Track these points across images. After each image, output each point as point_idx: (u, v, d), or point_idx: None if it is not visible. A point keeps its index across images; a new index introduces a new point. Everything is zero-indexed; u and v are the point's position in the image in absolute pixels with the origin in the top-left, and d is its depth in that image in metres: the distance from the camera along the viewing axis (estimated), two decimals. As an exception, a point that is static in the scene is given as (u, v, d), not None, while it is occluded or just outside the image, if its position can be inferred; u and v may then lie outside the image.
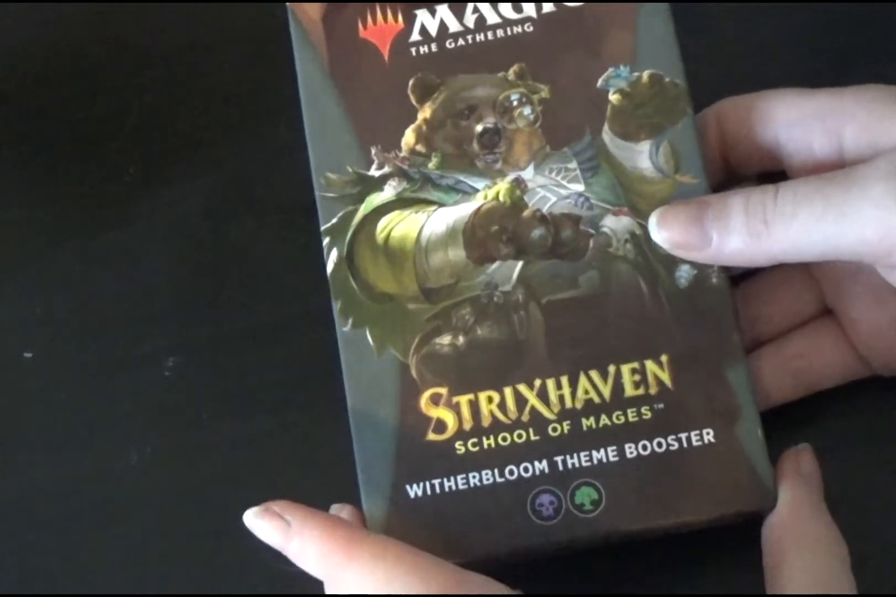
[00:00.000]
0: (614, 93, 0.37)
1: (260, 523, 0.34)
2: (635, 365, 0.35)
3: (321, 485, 0.38)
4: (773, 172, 0.38)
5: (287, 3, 0.39)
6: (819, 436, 0.37)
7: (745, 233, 0.34)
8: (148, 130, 0.46)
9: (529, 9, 0.38)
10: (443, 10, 0.38)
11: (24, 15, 0.49)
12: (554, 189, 0.36)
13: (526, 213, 0.36)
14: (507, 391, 0.35)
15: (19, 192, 0.47)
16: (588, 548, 0.35)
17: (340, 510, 0.36)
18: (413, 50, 0.38)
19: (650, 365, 0.35)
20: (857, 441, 0.39)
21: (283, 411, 0.42)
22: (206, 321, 0.43)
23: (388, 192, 0.37)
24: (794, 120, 0.36)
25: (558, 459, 0.34)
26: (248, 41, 0.47)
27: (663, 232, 0.35)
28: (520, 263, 0.36)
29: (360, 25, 0.38)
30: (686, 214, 0.35)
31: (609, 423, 0.35)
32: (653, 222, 0.35)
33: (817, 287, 0.38)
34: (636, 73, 0.37)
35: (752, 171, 0.38)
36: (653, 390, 0.35)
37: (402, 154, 0.37)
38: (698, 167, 0.36)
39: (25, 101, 0.48)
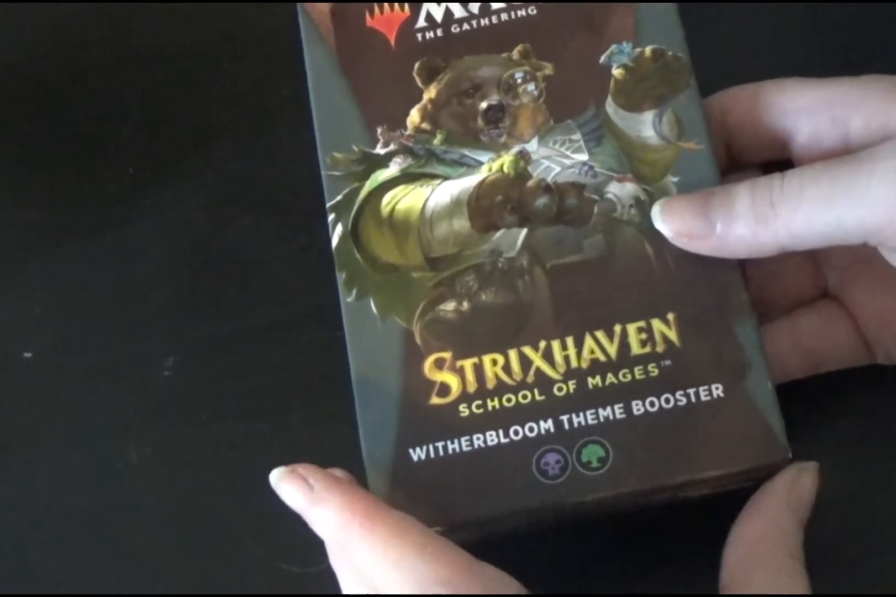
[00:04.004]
0: (617, 68, 0.37)
1: (285, 485, 0.34)
2: (641, 324, 0.35)
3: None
4: (777, 161, 0.37)
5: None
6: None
7: (750, 218, 0.33)
8: (148, 130, 0.46)
9: None
10: None
11: (24, 15, 0.49)
12: (558, 159, 0.37)
13: (530, 182, 0.36)
14: (512, 354, 0.35)
15: (19, 192, 0.47)
16: (594, 516, 0.35)
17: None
18: (419, 36, 0.38)
19: (657, 324, 0.35)
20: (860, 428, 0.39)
21: (283, 411, 0.42)
22: (206, 321, 0.43)
23: (393, 168, 0.37)
24: (801, 108, 0.36)
25: (564, 417, 0.34)
26: (249, 41, 0.47)
27: (666, 221, 0.35)
28: (524, 230, 0.36)
29: (368, 16, 0.39)
30: (689, 203, 0.35)
31: (615, 381, 0.34)
32: (656, 212, 0.35)
33: (820, 274, 0.38)
34: (638, 49, 0.37)
35: (756, 160, 0.38)
36: (660, 348, 0.34)
37: (408, 132, 0.37)
38: (702, 134, 0.36)
39: (25, 101, 0.48)
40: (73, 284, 0.44)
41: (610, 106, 0.37)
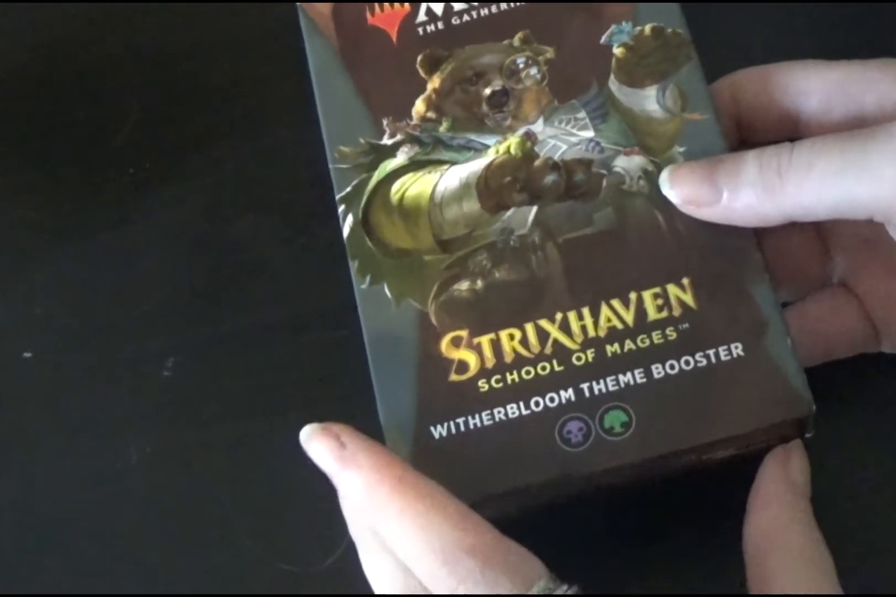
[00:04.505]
0: (618, 47, 0.38)
1: (316, 442, 0.33)
2: (657, 290, 0.35)
3: (321, 485, 0.38)
4: (789, 140, 0.37)
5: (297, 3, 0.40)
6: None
7: (758, 186, 0.33)
8: (148, 130, 0.46)
9: None
10: None
11: (24, 15, 0.49)
12: (564, 138, 0.37)
13: (538, 161, 0.37)
14: (529, 327, 0.35)
15: (19, 192, 0.47)
16: (619, 487, 0.34)
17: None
18: (420, 30, 0.39)
19: (672, 289, 0.35)
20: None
21: (283, 411, 0.42)
22: (206, 321, 0.43)
23: (401, 157, 0.38)
24: (814, 88, 0.36)
25: (584, 385, 0.34)
26: (249, 41, 0.47)
27: (674, 187, 0.35)
28: (534, 208, 0.36)
29: (368, 14, 0.40)
30: (698, 169, 0.35)
31: (634, 347, 0.34)
32: (664, 178, 0.35)
33: (828, 257, 0.38)
34: (638, 28, 0.38)
35: (767, 139, 0.37)
36: (676, 312, 0.34)
37: (414, 122, 0.38)
38: (706, 105, 0.36)
39: (26, 102, 0.48)
40: (73, 284, 0.44)
41: (613, 84, 0.37)
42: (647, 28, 0.37)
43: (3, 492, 0.42)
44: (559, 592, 0.31)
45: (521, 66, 0.38)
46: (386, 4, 0.40)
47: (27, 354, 0.44)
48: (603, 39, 0.38)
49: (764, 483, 0.34)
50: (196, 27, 0.48)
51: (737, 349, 0.34)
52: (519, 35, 0.38)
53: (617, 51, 0.37)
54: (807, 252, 0.38)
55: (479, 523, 0.31)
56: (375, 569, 0.33)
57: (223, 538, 0.40)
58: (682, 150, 0.36)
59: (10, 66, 0.48)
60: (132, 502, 0.41)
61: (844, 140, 0.32)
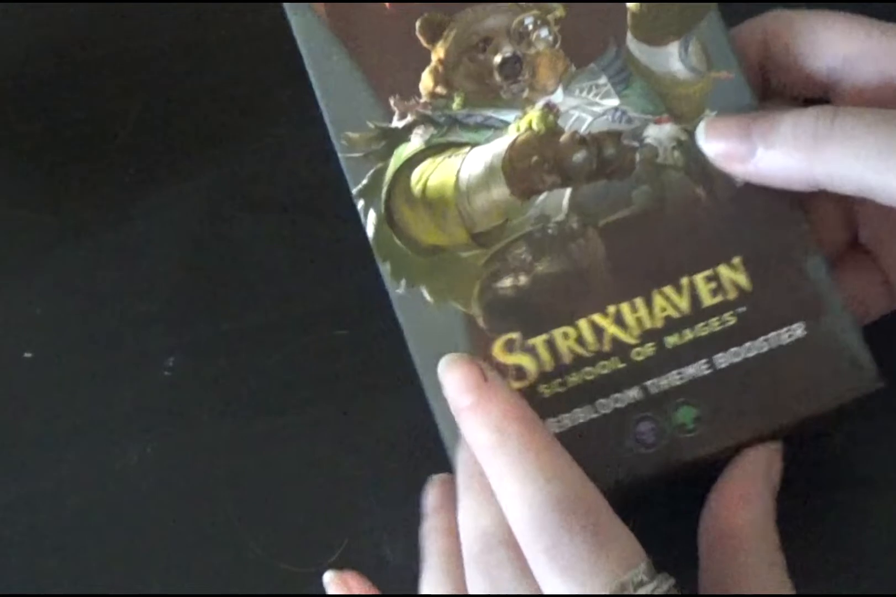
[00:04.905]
0: (633, 1, 0.35)
1: (459, 368, 0.32)
2: (709, 273, 0.33)
3: (321, 485, 0.38)
4: (813, 98, 0.36)
5: None
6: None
7: (791, 147, 0.32)
8: (148, 130, 0.46)
9: None
10: None
11: (23, 15, 0.49)
12: (588, 108, 0.35)
13: (564, 137, 0.34)
14: (582, 324, 0.34)
15: (19, 192, 0.47)
16: (692, 472, 0.34)
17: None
18: None
19: (724, 270, 0.33)
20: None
21: (283, 411, 0.42)
22: (206, 321, 0.43)
23: (416, 141, 0.35)
24: (851, 55, 0.35)
25: (649, 383, 0.33)
26: (249, 41, 0.47)
27: (710, 141, 0.34)
28: (568, 190, 0.34)
29: None
30: (735, 124, 0.33)
31: (693, 336, 0.33)
32: (700, 130, 0.34)
33: (853, 225, 0.37)
34: None
35: (791, 94, 0.37)
36: (731, 295, 0.33)
37: (423, 99, 0.35)
38: (732, 62, 0.34)
39: (25, 101, 0.47)
40: (73, 284, 0.44)
41: (631, 42, 0.34)
42: None
43: (3, 492, 0.42)
44: (656, 583, 0.30)
45: (531, 27, 0.35)
46: None
47: (27, 354, 0.44)
48: None
49: (744, 480, 0.33)
50: (196, 27, 0.48)
51: (798, 329, 0.33)
52: None
53: (632, 5, 0.34)
54: (833, 219, 0.37)
55: (598, 492, 0.31)
56: (471, 519, 0.32)
57: (223, 538, 0.40)
58: (713, 114, 0.34)
59: (10, 66, 0.48)
60: (132, 502, 0.41)
61: (892, 121, 0.31)
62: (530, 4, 0.35)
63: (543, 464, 0.30)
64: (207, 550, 0.41)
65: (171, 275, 0.44)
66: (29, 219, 0.46)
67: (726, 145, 0.33)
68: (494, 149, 0.35)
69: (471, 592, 0.31)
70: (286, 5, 0.36)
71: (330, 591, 0.35)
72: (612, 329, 0.34)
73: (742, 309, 0.33)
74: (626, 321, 0.34)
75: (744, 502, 0.33)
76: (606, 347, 0.34)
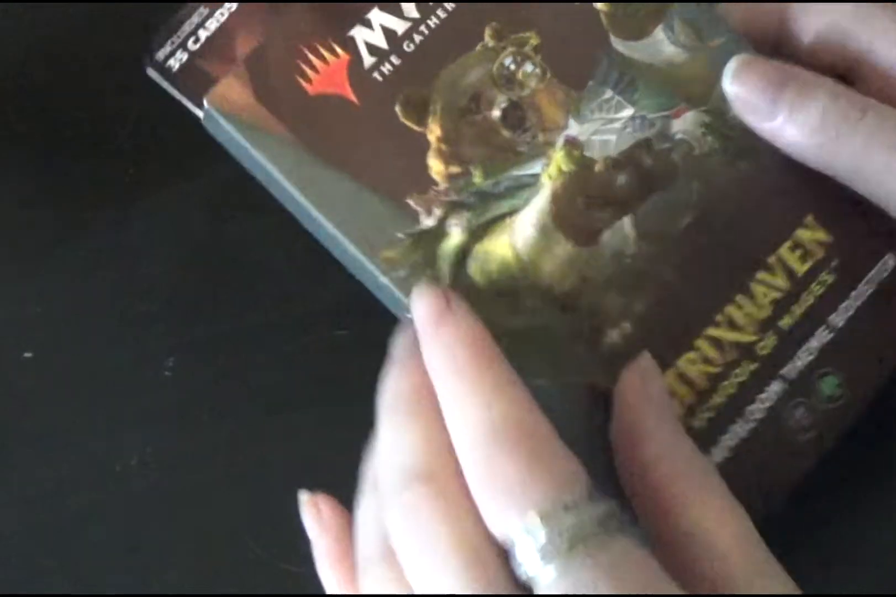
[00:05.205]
0: (599, 2, 0.33)
1: (426, 297, 0.31)
2: (790, 242, 0.33)
3: (321, 485, 0.38)
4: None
5: (204, 100, 0.33)
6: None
7: (813, 130, 0.31)
8: (148, 130, 0.46)
9: None
10: (377, 17, 0.32)
11: (24, 15, 0.49)
12: (607, 128, 0.33)
13: (598, 167, 0.32)
14: (700, 343, 0.32)
15: (19, 192, 0.47)
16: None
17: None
18: (376, 75, 0.32)
19: (802, 233, 0.33)
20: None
21: (283, 411, 0.42)
22: (206, 321, 0.43)
23: (456, 233, 0.32)
24: (878, 45, 0.33)
25: (784, 370, 0.33)
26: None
27: (736, 85, 0.32)
28: (626, 219, 0.32)
29: (304, 82, 0.32)
30: (767, 75, 0.32)
31: (803, 309, 0.33)
32: (731, 69, 0.33)
33: None
34: None
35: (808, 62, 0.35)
36: (819, 254, 0.33)
37: (441, 186, 0.32)
38: (722, 27, 0.33)
39: (25, 101, 0.47)
40: (73, 284, 0.44)
41: (617, 43, 0.33)
42: None
43: (3, 492, 0.42)
44: (594, 505, 0.28)
45: (513, 67, 0.32)
46: (317, 62, 0.31)
47: (27, 354, 0.44)
48: (579, 1, 0.33)
49: (641, 407, 0.31)
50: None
51: (891, 260, 0.33)
52: (488, 32, 0.32)
53: (600, 6, 0.33)
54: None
55: (545, 419, 0.30)
56: (387, 452, 0.31)
57: (223, 538, 0.40)
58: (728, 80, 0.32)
59: (10, 66, 0.48)
60: (132, 502, 0.41)
61: None
62: (501, 43, 0.32)
63: (490, 388, 0.29)
64: (207, 550, 0.41)
65: (171, 275, 0.44)
66: (29, 219, 0.46)
67: (750, 95, 0.32)
68: (536, 207, 0.32)
69: (392, 534, 0.29)
70: (238, 136, 0.32)
71: (303, 513, 0.34)
72: (729, 336, 0.33)
73: (834, 262, 0.33)
74: (738, 322, 0.33)
75: (656, 428, 0.31)
76: (732, 355, 0.33)
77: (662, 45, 0.33)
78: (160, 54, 0.33)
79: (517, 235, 0.32)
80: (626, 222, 0.32)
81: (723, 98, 0.33)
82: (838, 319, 0.33)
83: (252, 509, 0.40)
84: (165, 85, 0.34)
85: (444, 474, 0.29)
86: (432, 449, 0.30)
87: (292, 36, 0.32)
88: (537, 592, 0.28)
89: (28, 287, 0.45)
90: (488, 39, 0.33)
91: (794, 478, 0.33)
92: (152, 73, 0.34)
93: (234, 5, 0.33)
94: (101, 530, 0.41)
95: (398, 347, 0.33)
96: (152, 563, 0.41)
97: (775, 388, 0.33)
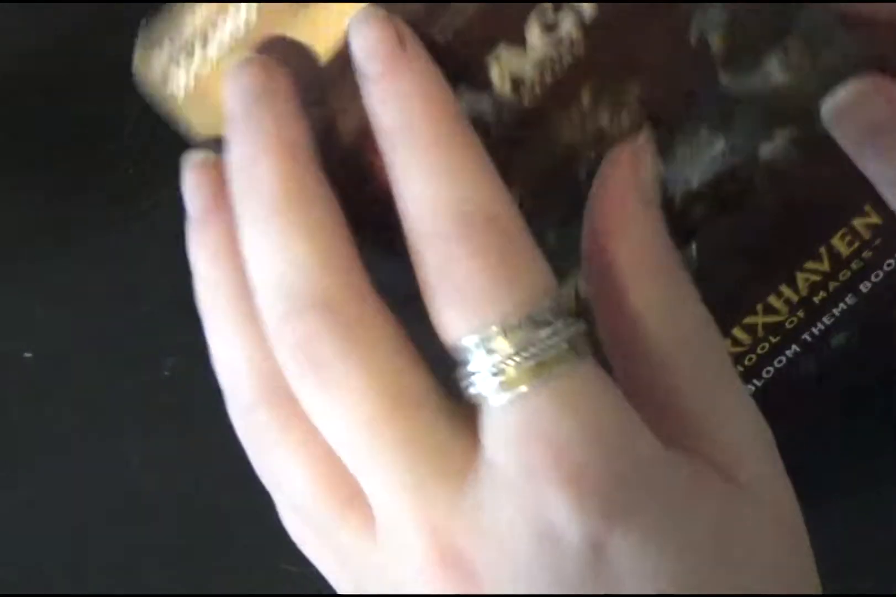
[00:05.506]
0: (714, 36, 0.28)
1: (374, 27, 0.25)
2: (843, 230, 0.32)
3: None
4: None
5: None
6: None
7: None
8: (148, 130, 0.46)
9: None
10: None
11: (23, 15, 0.49)
12: (694, 161, 0.30)
13: (677, 204, 0.30)
14: (737, 332, 0.33)
15: (19, 192, 0.47)
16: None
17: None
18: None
19: (858, 221, 0.32)
20: None
21: (283, 411, 0.42)
22: (206, 321, 0.43)
23: None
24: None
25: (804, 336, 0.33)
26: (248, 41, 0.47)
27: (834, 128, 0.29)
28: (693, 244, 0.31)
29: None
30: (868, 117, 0.29)
31: (838, 283, 0.33)
32: (830, 109, 0.29)
33: None
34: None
35: None
36: (866, 236, 0.32)
37: None
38: (839, 42, 0.29)
39: (25, 101, 0.47)
40: (73, 284, 0.44)
41: (723, 78, 0.29)
42: None
43: (3, 492, 0.42)
44: (561, 323, 0.24)
45: (608, 126, 0.28)
46: None
47: (27, 354, 0.44)
48: (693, 38, 0.28)
49: (624, 193, 0.27)
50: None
51: None
52: (586, 93, 0.27)
53: (715, 41, 0.28)
54: None
55: (517, 211, 0.25)
56: (262, 260, 0.27)
57: (223, 538, 0.40)
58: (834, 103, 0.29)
59: (10, 65, 0.48)
60: (132, 503, 0.41)
61: None
62: (598, 104, 0.28)
63: (454, 160, 0.24)
64: (207, 550, 0.41)
65: (171, 275, 0.44)
66: (28, 219, 0.46)
67: (845, 139, 0.29)
68: None
69: (289, 379, 0.26)
70: None
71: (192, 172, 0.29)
72: (763, 320, 0.33)
73: (877, 241, 0.33)
74: (776, 307, 0.33)
75: (616, 228, 0.27)
76: (761, 335, 0.33)
77: (773, 72, 0.29)
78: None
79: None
80: (693, 247, 0.32)
81: (819, 117, 0.30)
82: (866, 286, 0.33)
83: (252, 509, 0.40)
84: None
85: (345, 299, 0.25)
86: (324, 264, 0.25)
87: None
88: (481, 414, 0.25)
89: (28, 287, 0.45)
90: (586, 99, 0.28)
91: (801, 426, 0.33)
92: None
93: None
94: (101, 530, 0.41)
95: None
96: (152, 563, 0.41)
97: (792, 350, 0.33)
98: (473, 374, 0.24)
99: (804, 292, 0.33)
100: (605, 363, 0.26)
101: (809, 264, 0.33)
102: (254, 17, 0.27)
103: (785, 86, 0.29)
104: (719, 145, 0.30)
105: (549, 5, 0.26)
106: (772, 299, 0.33)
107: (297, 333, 0.25)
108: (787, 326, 0.33)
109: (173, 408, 0.42)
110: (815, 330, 0.33)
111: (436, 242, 0.24)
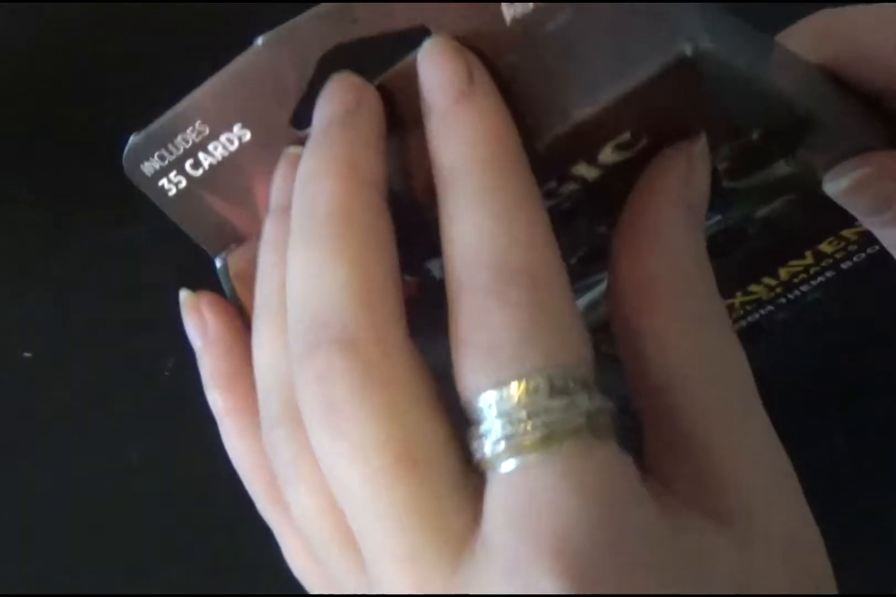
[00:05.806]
0: (721, 162, 0.26)
1: (448, 59, 0.24)
2: (830, 238, 0.31)
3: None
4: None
5: (219, 259, 0.31)
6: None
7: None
8: (148, 130, 0.46)
9: None
10: None
11: (23, 15, 0.49)
12: None
13: None
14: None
15: (19, 192, 0.47)
16: None
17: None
18: None
19: (847, 231, 0.31)
20: None
21: (283, 411, 0.42)
22: (206, 321, 0.43)
23: None
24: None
25: (781, 299, 0.34)
26: (248, 42, 0.47)
27: (843, 202, 0.28)
28: None
29: None
30: (876, 193, 0.27)
31: (819, 268, 0.33)
32: (836, 187, 0.27)
33: None
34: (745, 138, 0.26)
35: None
36: (853, 239, 0.32)
37: None
38: (832, 108, 0.27)
39: (26, 101, 0.47)
40: (73, 284, 0.44)
41: (728, 184, 0.28)
42: (755, 134, 0.25)
43: (3, 492, 0.42)
44: (588, 394, 0.22)
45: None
46: None
47: (27, 354, 0.44)
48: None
49: (664, 199, 0.25)
50: (195, 27, 0.48)
51: None
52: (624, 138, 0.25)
53: (722, 166, 0.26)
54: None
55: (565, 271, 0.24)
56: (300, 284, 0.25)
57: (223, 538, 0.40)
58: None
59: (10, 65, 0.48)
60: (132, 502, 0.41)
61: None
62: None
63: (506, 208, 0.23)
64: (207, 550, 0.41)
65: (171, 274, 0.44)
66: (29, 219, 0.46)
67: (856, 211, 0.28)
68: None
69: (301, 409, 0.24)
70: None
71: (184, 319, 0.30)
72: (741, 299, 0.33)
73: (863, 239, 0.32)
74: (755, 292, 0.33)
75: (649, 242, 0.24)
76: (737, 314, 0.34)
77: (778, 167, 0.28)
78: (147, 168, 0.30)
79: None
80: None
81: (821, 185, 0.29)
82: (845, 265, 0.33)
83: (252, 508, 0.40)
84: (156, 202, 0.30)
85: (369, 338, 0.23)
86: (355, 297, 0.23)
87: None
88: (488, 480, 0.23)
89: (28, 287, 0.45)
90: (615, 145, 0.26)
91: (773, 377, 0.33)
92: (138, 182, 0.30)
93: (248, 134, 0.28)
94: (100, 531, 0.41)
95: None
96: (152, 562, 0.41)
97: (766, 309, 0.34)
98: (484, 436, 0.23)
99: (784, 278, 0.33)
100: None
101: (794, 262, 0.33)
102: None
103: (790, 175, 0.28)
104: (715, 219, 0.29)
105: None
106: (753, 287, 0.33)
107: (315, 368, 0.23)
108: (764, 298, 0.34)
109: (173, 408, 0.42)
110: (790, 296, 0.34)
111: (472, 291, 0.23)
